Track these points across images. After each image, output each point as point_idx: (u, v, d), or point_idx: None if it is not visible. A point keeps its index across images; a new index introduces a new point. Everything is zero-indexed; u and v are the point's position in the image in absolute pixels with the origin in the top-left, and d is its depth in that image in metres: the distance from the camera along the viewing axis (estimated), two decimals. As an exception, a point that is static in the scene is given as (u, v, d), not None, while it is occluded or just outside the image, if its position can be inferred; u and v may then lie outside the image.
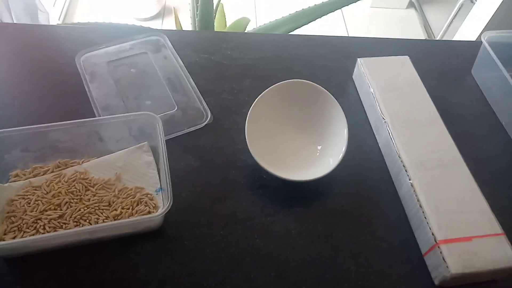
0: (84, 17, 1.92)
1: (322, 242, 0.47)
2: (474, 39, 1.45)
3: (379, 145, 0.56)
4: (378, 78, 0.59)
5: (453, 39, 1.63)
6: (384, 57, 0.62)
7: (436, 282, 0.43)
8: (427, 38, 1.92)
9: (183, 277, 0.44)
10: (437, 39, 1.84)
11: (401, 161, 0.50)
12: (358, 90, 0.63)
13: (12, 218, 0.43)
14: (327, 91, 0.52)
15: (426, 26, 1.98)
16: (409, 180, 0.48)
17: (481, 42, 0.61)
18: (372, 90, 0.57)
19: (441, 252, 0.42)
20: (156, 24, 1.92)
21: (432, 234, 0.43)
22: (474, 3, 1.53)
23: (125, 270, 0.44)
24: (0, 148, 0.46)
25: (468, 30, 1.51)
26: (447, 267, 0.41)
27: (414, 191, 0.47)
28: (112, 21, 1.14)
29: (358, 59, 0.62)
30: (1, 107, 0.56)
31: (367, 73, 0.59)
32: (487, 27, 1.40)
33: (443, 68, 0.68)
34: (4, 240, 0.42)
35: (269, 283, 0.44)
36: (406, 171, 0.49)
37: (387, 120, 0.54)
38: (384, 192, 0.52)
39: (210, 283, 0.43)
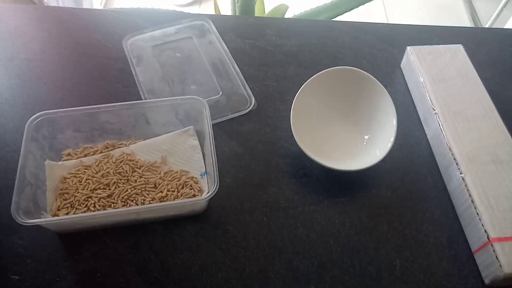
0: (123, 3, 1.95)
1: (365, 234, 0.46)
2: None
3: (428, 137, 0.54)
4: (429, 67, 0.56)
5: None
6: (435, 45, 0.60)
7: (487, 281, 0.42)
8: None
9: (225, 263, 0.44)
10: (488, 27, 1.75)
11: (452, 154, 0.48)
12: (406, 79, 0.61)
13: (65, 195, 0.45)
14: (375, 79, 0.51)
15: (473, 15, 1.89)
16: (460, 174, 0.46)
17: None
18: (422, 80, 0.55)
19: (494, 251, 0.40)
20: (193, 10, 1.93)
21: (485, 231, 0.41)
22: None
23: (168, 252, 0.45)
24: (54, 128, 0.47)
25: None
26: (500, 266, 0.39)
27: (466, 185, 0.45)
28: (151, 6, 1.15)
29: (408, 47, 0.59)
30: (53, 89, 0.58)
31: (417, 62, 0.57)
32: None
33: (499, 58, 0.64)
34: (58, 216, 0.43)
35: (311, 273, 0.44)
36: (457, 164, 0.47)
37: (437, 111, 0.51)
38: (431, 186, 0.50)
39: (252, 270, 0.44)
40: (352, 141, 0.53)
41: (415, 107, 0.58)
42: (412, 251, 0.45)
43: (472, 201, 0.44)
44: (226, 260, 0.44)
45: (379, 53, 0.65)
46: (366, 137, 0.52)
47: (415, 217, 0.48)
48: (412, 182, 0.51)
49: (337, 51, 0.65)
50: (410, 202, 0.49)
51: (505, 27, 1.54)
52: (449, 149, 0.48)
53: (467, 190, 0.45)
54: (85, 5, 1.37)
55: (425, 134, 0.55)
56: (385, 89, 0.50)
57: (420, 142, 0.54)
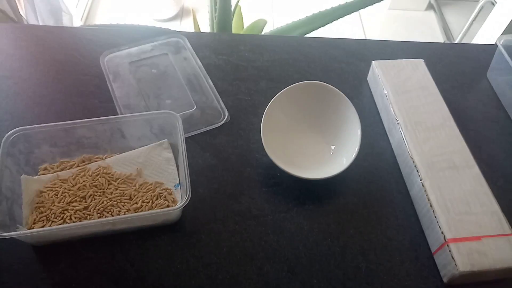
0: (104, 18, 1.97)
1: (333, 239, 0.49)
2: (493, 42, 1.44)
3: (392, 146, 0.57)
4: (392, 80, 0.60)
5: (472, 42, 1.62)
6: (398, 60, 0.63)
7: (445, 280, 0.44)
8: (446, 41, 1.91)
9: (199, 270, 0.46)
10: (455, 42, 1.82)
11: (413, 161, 0.51)
12: (372, 92, 0.64)
13: (41, 208, 0.46)
14: (341, 92, 0.54)
15: (445, 29, 1.97)
16: (420, 180, 0.49)
17: (497, 45, 0.62)
18: (386, 92, 0.58)
19: (450, 251, 0.43)
20: (174, 25, 1.96)
21: (442, 233, 0.44)
22: (495, 5, 1.51)
23: (143, 262, 0.46)
24: (31, 143, 0.49)
25: (488, 33, 1.49)
26: (455, 265, 0.42)
27: (425, 191, 0.48)
28: (131, 22, 1.17)
29: (373, 61, 0.63)
30: (31, 105, 0.59)
31: (381, 75, 0.60)
32: (507, 31, 1.38)
33: (458, 71, 0.68)
34: (33, 229, 0.44)
35: (281, 277, 0.46)
36: (417, 171, 0.50)
37: (400, 122, 0.55)
38: (395, 192, 0.53)
39: (224, 276, 0.45)
40: (320, 151, 0.55)
41: (380, 118, 0.61)
42: (376, 254, 0.48)
43: (431, 205, 0.47)
44: (199, 267, 0.46)
45: (347, 67, 0.68)
46: (332, 147, 0.55)
47: (380, 222, 0.50)
48: (378, 189, 0.53)
49: (307, 65, 0.68)
50: (375, 207, 0.52)
51: (474, 39, 1.61)
52: (411, 157, 0.51)
53: (426, 195, 0.48)
54: (65, 21, 1.39)
55: (390, 143, 0.58)
56: (350, 102, 0.53)
57: (385, 151, 0.57)
